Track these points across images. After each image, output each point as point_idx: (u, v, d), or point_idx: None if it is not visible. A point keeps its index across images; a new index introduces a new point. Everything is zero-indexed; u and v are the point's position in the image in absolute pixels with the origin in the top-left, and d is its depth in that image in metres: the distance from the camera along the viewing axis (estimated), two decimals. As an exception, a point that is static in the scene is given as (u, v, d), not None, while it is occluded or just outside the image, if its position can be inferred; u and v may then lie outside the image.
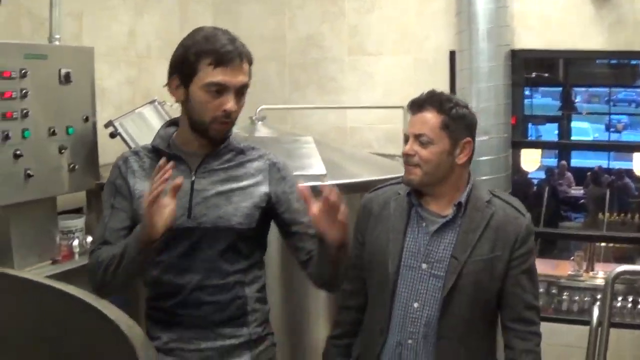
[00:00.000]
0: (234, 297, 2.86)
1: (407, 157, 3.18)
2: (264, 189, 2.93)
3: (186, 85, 2.82)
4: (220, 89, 2.77)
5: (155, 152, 2.96)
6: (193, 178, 2.89)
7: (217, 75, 2.76)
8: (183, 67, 2.81)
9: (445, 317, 3.15)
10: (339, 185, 4.19)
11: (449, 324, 3.15)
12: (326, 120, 6.54)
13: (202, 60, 2.77)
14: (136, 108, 4.80)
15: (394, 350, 3.23)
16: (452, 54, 6.19)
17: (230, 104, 2.79)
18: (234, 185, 2.90)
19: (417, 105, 3.19)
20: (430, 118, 3.13)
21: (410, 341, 3.20)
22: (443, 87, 5.84)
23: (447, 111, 3.13)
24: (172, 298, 2.89)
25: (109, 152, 4.68)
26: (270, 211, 2.98)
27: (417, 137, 3.15)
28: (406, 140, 3.24)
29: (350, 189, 3.83)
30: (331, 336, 3.61)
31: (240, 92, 2.83)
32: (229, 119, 2.84)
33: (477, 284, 3.15)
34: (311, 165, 4.42)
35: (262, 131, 5.01)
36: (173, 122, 3.06)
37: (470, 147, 3.20)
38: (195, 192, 2.87)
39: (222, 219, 2.85)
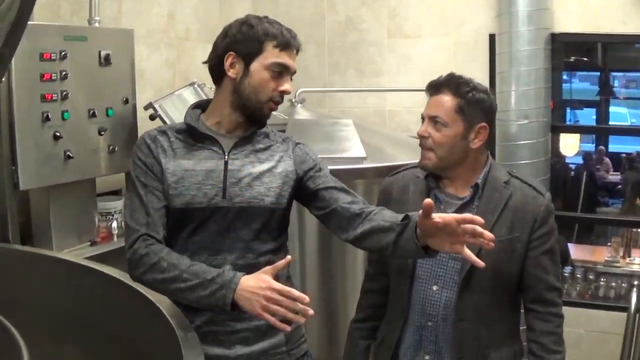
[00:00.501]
0: None
1: (421, 138, 3.17)
2: (290, 168, 2.97)
3: (247, 62, 2.88)
4: (281, 71, 2.89)
5: (186, 132, 2.97)
6: (226, 159, 2.91)
7: (283, 57, 2.89)
8: (247, 44, 2.88)
9: (464, 299, 3.14)
10: (378, 168, 4.25)
11: (468, 306, 3.14)
12: (365, 103, 6.48)
13: (269, 41, 2.88)
14: (175, 90, 4.77)
15: (415, 332, 3.24)
16: (492, 37, 6.09)
17: (288, 85, 2.93)
18: (265, 166, 2.94)
19: (434, 87, 3.18)
20: (446, 101, 3.11)
21: (430, 323, 3.20)
22: (482, 70, 5.81)
23: (464, 95, 3.10)
24: None
25: (149, 134, 4.66)
26: (297, 190, 3.02)
27: (432, 118, 3.14)
28: (422, 120, 3.22)
29: (389, 172, 3.76)
30: (354, 319, 3.61)
31: (291, 77, 2.95)
32: (282, 100, 2.97)
33: (495, 266, 3.09)
34: (351, 148, 4.38)
35: (301, 114, 4.98)
36: (198, 105, 3.08)
37: (485, 132, 3.16)
38: (229, 173, 2.89)
39: (256, 199, 2.87)
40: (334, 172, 4.08)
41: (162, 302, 2.82)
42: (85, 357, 3.58)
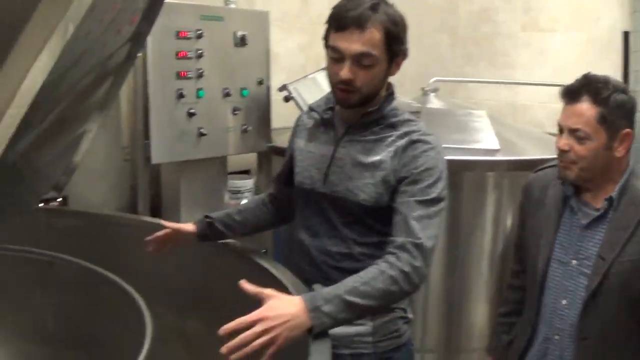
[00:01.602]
0: (361, 267, 2.55)
1: (561, 152, 2.86)
2: (392, 166, 2.66)
3: (326, 48, 2.70)
4: (337, 56, 2.59)
5: (316, 113, 2.91)
6: (336, 146, 2.78)
7: (335, 40, 2.59)
8: (326, 28, 2.68)
9: (588, 318, 2.85)
10: (511, 162, 4.09)
11: (593, 325, 2.86)
12: (497, 96, 6.27)
13: (330, 23, 2.64)
14: (310, 74, 4.71)
15: (541, 343, 3.01)
16: (626, 35, 5.81)
17: (343, 71, 2.58)
18: (369, 159, 2.69)
19: (570, 95, 2.84)
20: (586, 110, 2.78)
21: (556, 337, 2.95)
22: (615, 68, 5.51)
23: (604, 101, 2.76)
24: (305, 258, 2.82)
25: (281, 116, 4.61)
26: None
27: (572, 131, 2.81)
28: (560, 130, 2.90)
29: (522, 166, 3.61)
30: (499, 313, 3.44)
31: (359, 62, 2.59)
32: (348, 86, 2.61)
33: (624, 286, 2.81)
34: (484, 139, 4.21)
35: (434, 103, 4.83)
36: None
37: (630, 138, 2.84)
38: (335, 160, 2.76)
39: (351, 192, 2.69)
40: (465, 163, 3.98)
41: (289, 279, 2.77)
42: (207, 333, 3.56)
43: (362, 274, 2.38)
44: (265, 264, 3.01)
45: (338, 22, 2.57)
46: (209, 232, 3.07)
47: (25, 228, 3.56)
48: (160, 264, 3.23)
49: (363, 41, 2.54)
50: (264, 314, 2.20)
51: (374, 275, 2.37)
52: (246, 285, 2.35)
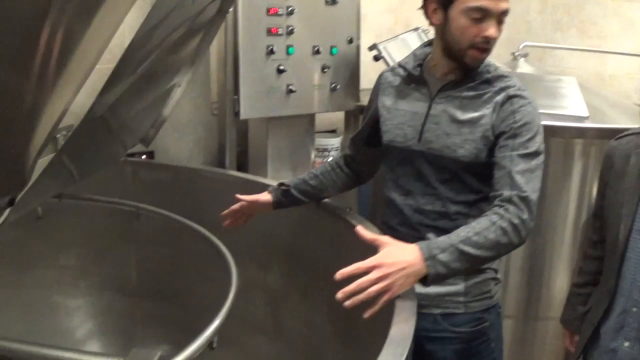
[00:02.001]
0: (455, 226, 2.51)
1: None
2: (491, 122, 2.61)
3: (445, 8, 2.59)
4: (482, 15, 2.52)
5: (405, 70, 2.83)
6: (430, 102, 2.72)
7: (482, 0, 2.50)
8: None
9: None
10: (599, 129, 3.95)
11: None
12: (585, 65, 6.09)
13: None
14: (400, 34, 4.61)
15: (618, 315, 2.87)
16: None
17: (491, 30, 2.54)
18: (467, 115, 2.64)
19: None
20: None
21: (634, 310, 2.82)
22: None
23: None
24: (397, 217, 2.77)
25: (369, 75, 4.53)
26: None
27: None
28: None
29: (610, 135, 3.47)
30: (574, 283, 3.34)
31: (500, 19, 2.57)
32: (488, 45, 2.59)
33: None
34: (573, 106, 4.08)
35: (524, 68, 4.71)
36: (430, 43, 2.86)
37: None
38: (430, 117, 2.70)
39: (449, 149, 2.63)
40: (553, 129, 3.85)
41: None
42: (288, 287, 3.53)
43: (473, 224, 2.36)
44: (352, 220, 2.98)
45: None
46: (284, 199, 3.03)
47: (112, 180, 3.57)
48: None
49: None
50: (380, 260, 2.18)
51: (485, 226, 2.34)
52: (362, 232, 2.34)
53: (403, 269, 2.19)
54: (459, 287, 2.75)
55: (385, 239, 2.29)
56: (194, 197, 3.54)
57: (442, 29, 2.63)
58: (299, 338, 3.54)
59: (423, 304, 2.65)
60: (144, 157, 3.86)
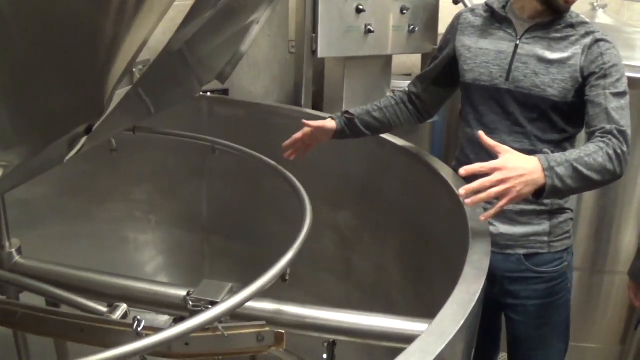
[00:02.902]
0: None
1: None
2: (580, 63, 2.64)
3: None
4: None
5: (490, 11, 2.84)
6: (517, 42, 2.73)
7: None
8: None
9: None
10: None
11: None
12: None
13: None
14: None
15: None
16: None
17: None
18: (555, 56, 2.67)
19: None
20: None
21: None
22: None
23: None
24: (480, 154, 2.71)
25: (448, 19, 4.47)
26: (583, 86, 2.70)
27: None
28: None
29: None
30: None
31: None
32: None
33: None
34: (650, 58, 3.98)
35: (602, 19, 4.60)
36: None
37: None
38: (517, 56, 2.72)
39: (538, 88, 2.67)
40: (631, 81, 3.76)
41: (449, 175, 2.78)
42: (358, 226, 3.54)
43: (583, 147, 2.41)
44: (428, 160, 2.99)
45: None
46: (346, 129, 3.00)
47: (187, 115, 3.59)
48: (319, 157, 3.22)
49: None
50: (503, 164, 2.22)
51: (594, 150, 2.38)
52: (484, 137, 2.34)
53: (523, 175, 2.23)
54: (544, 226, 2.79)
55: (505, 147, 2.30)
56: (268, 135, 3.54)
57: None
58: (367, 278, 3.55)
59: (508, 244, 2.78)
60: (222, 90, 3.87)
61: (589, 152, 2.37)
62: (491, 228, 2.52)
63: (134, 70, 3.07)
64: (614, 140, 2.44)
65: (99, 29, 1.39)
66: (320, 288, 3.62)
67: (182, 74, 2.52)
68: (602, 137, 2.45)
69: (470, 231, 2.29)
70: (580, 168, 2.32)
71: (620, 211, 4.01)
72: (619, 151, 2.42)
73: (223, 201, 3.90)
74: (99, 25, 1.38)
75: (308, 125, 2.98)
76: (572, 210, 2.88)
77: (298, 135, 3.02)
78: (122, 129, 2.69)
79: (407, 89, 3.13)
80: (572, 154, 2.35)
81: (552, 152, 2.56)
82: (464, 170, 2.23)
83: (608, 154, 2.39)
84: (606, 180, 2.42)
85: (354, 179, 3.46)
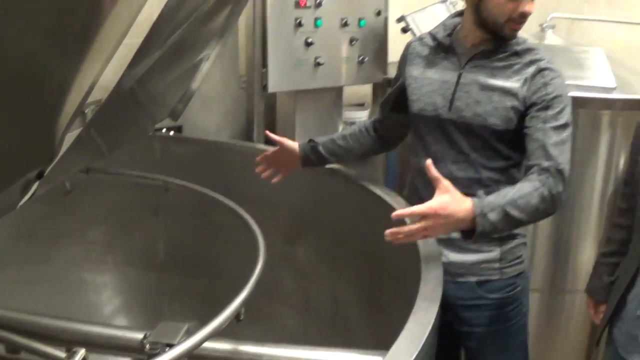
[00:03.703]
0: (489, 192, 2.59)
1: None
2: (522, 93, 2.66)
3: None
4: None
5: (435, 40, 2.88)
6: (461, 71, 2.76)
7: None
8: None
9: None
10: (627, 101, 3.90)
11: None
12: (614, 36, 6.00)
13: None
14: (428, 6, 4.57)
15: None
16: None
17: (529, 5, 2.63)
18: (498, 84, 2.69)
19: None
20: None
21: None
22: None
23: None
24: (428, 186, 2.69)
25: (397, 48, 4.50)
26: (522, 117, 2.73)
27: None
28: None
29: (638, 105, 3.45)
30: (601, 253, 3.29)
31: None
32: (524, 19, 2.67)
33: None
34: (600, 77, 4.04)
35: (551, 39, 4.68)
36: (460, 14, 2.91)
37: None
38: (460, 86, 2.76)
39: (480, 117, 2.70)
40: (580, 100, 3.82)
41: (400, 204, 2.80)
42: (315, 259, 3.54)
43: (518, 187, 2.45)
44: (380, 191, 3.00)
45: None
46: (312, 156, 3.07)
47: (140, 154, 3.57)
48: (272, 191, 3.21)
49: None
50: (436, 210, 2.27)
51: (530, 191, 2.43)
52: (431, 167, 2.37)
53: (453, 222, 2.30)
54: (495, 253, 2.81)
55: (446, 184, 2.33)
56: (221, 171, 3.55)
57: (477, 4, 2.67)
58: (325, 310, 3.55)
59: (460, 272, 2.81)
60: (172, 132, 3.86)
61: (523, 194, 2.41)
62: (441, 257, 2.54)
63: (86, 111, 3.05)
64: (550, 179, 2.47)
65: (47, 71, 1.38)
66: (278, 321, 3.60)
67: (134, 112, 2.52)
68: (539, 175, 2.49)
69: (422, 260, 2.32)
70: (513, 212, 2.37)
71: (577, 229, 4.05)
72: (554, 192, 2.46)
73: (179, 239, 3.88)
74: (47, 67, 1.36)
75: (271, 138, 3.06)
76: (523, 235, 2.90)
77: (268, 152, 3.13)
78: (75, 171, 2.67)
79: (373, 117, 3.20)
80: (506, 196, 2.39)
81: (498, 179, 2.72)
82: (395, 216, 2.30)
83: (542, 196, 2.43)
84: (537, 219, 2.51)
85: (308, 210, 3.46)
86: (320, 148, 3.06)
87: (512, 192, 2.41)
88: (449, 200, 2.30)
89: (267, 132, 3.14)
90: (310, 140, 3.09)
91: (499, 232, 2.50)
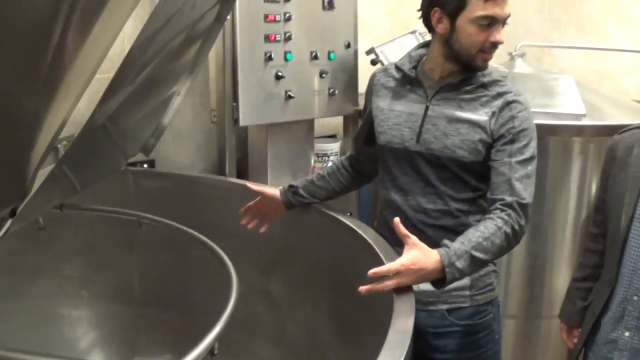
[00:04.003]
0: (458, 223, 2.75)
1: None
2: (490, 125, 2.70)
3: (452, 17, 2.68)
4: (489, 22, 2.64)
5: (401, 72, 2.91)
6: (428, 103, 2.80)
7: (489, 9, 2.62)
8: (450, 0, 2.66)
9: None
10: (597, 127, 3.95)
11: None
12: (584, 62, 6.10)
13: None
14: (397, 37, 4.61)
15: (619, 304, 2.92)
16: None
17: (499, 35, 2.67)
18: (466, 117, 2.73)
19: None
20: None
21: (635, 298, 2.87)
22: None
23: None
24: (398, 218, 2.73)
25: (367, 79, 4.55)
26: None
27: None
28: None
29: (608, 132, 3.49)
30: (574, 278, 3.37)
31: (504, 23, 2.68)
32: (494, 49, 2.71)
33: None
34: (570, 104, 4.09)
35: (521, 67, 4.73)
36: (425, 45, 2.96)
37: None
38: (428, 118, 2.79)
39: (448, 149, 2.73)
40: (551, 127, 3.86)
41: (375, 240, 2.80)
42: (290, 293, 3.54)
43: (481, 228, 2.52)
44: (352, 224, 3.02)
45: None
46: (294, 200, 3.11)
47: (113, 189, 3.57)
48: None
49: (508, 4, 2.67)
50: (408, 266, 2.35)
51: (493, 231, 2.51)
52: (399, 225, 2.43)
53: (422, 275, 2.38)
54: (465, 281, 2.80)
55: (414, 240, 2.40)
56: (195, 205, 3.55)
57: (448, 36, 2.70)
58: (300, 342, 3.54)
59: (431, 301, 2.83)
60: (145, 165, 3.87)
61: (487, 235, 2.49)
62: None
63: (58, 146, 3.06)
64: (513, 214, 2.56)
65: (19, 109, 1.39)
66: (254, 355, 3.60)
67: (107, 148, 2.52)
68: (502, 211, 2.57)
69: (394, 292, 2.34)
70: (479, 256, 2.45)
71: (551, 255, 4.09)
72: (517, 227, 2.55)
73: (154, 273, 3.87)
74: (18, 105, 1.37)
75: (250, 188, 3.11)
76: (493, 263, 2.90)
77: (250, 203, 3.15)
78: (49, 208, 2.68)
79: (349, 152, 3.24)
80: (471, 240, 2.46)
81: (467, 210, 2.78)
82: (372, 273, 2.34)
83: (505, 234, 2.52)
84: (501, 255, 2.60)
85: (282, 243, 3.46)
86: (302, 192, 3.10)
87: (477, 235, 2.48)
88: (419, 254, 2.37)
89: (247, 183, 3.19)
90: (291, 186, 3.12)
91: (468, 275, 2.57)
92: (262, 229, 3.17)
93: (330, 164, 4.24)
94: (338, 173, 3.16)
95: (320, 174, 3.18)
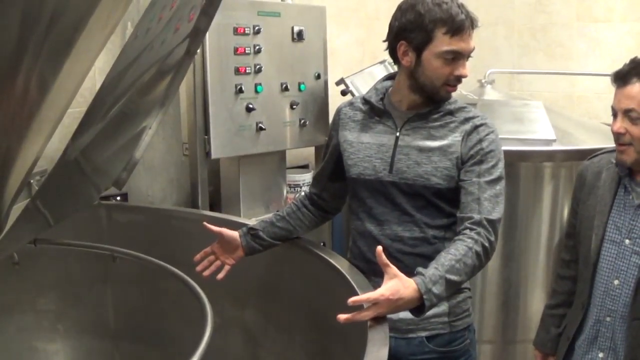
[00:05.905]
0: (434, 250, 2.75)
1: (617, 136, 2.83)
2: (459, 150, 2.76)
3: (418, 51, 2.72)
4: (454, 56, 2.69)
5: (368, 104, 2.93)
6: (398, 134, 2.83)
7: (454, 44, 2.67)
8: (416, 34, 2.70)
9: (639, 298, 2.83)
10: (567, 152, 4.03)
11: None
12: (554, 87, 6.19)
13: (437, 28, 2.67)
14: (366, 67, 4.67)
15: (592, 326, 2.99)
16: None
17: (463, 69, 2.73)
18: (436, 144, 2.78)
19: (620, 78, 2.82)
20: (637, 91, 2.75)
21: (608, 319, 2.93)
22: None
23: None
24: (372, 248, 2.76)
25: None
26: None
27: (626, 113, 2.78)
28: (614, 114, 2.86)
29: (579, 157, 3.57)
30: (547, 305, 3.40)
31: (468, 57, 2.75)
32: (459, 82, 2.78)
33: None
34: (540, 130, 4.17)
35: (490, 94, 4.80)
36: (391, 77, 3.00)
37: None
38: (399, 148, 2.82)
39: (422, 178, 2.77)
40: (522, 153, 3.93)
41: (345, 267, 2.84)
42: (265, 324, 3.56)
43: (452, 251, 2.55)
44: (325, 255, 3.02)
45: (457, 27, 2.67)
46: (255, 244, 3.05)
47: (87, 223, 3.59)
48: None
49: (472, 38, 2.73)
50: (387, 297, 2.34)
51: (464, 252, 2.54)
52: (381, 254, 2.43)
53: (401, 305, 2.39)
54: (443, 307, 2.85)
55: (395, 271, 2.40)
56: (168, 238, 3.56)
57: (413, 69, 2.75)
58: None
59: (410, 329, 2.86)
60: (117, 198, 3.89)
61: (459, 257, 2.52)
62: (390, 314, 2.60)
63: (32, 181, 3.09)
64: (482, 232, 2.61)
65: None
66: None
67: (80, 182, 2.54)
68: (471, 230, 2.61)
69: (367, 322, 2.35)
70: (453, 278, 2.48)
71: (525, 280, 4.14)
72: (487, 243, 2.60)
73: (129, 306, 3.87)
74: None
75: (209, 230, 3.03)
76: (469, 289, 2.96)
77: (207, 248, 3.07)
78: (23, 243, 2.70)
79: (307, 190, 3.21)
80: (444, 264, 2.49)
81: (443, 236, 2.82)
82: (352, 302, 2.34)
83: (476, 253, 2.56)
84: (474, 274, 2.64)
85: (256, 275, 3.47)
86: (262, 234, 3.03)
87: (449, 258, 2.51)
88: (399, 285, 2.38)
89: (205, 224, 3.07)
90: (250, 229, 3.05)
91: (445, 299, 2.62)
92: (220, 276, 3.05)
93: (302, 193, 4.28)
94: (299, 212, 3.12)
95: (280, 214, 3.12)
